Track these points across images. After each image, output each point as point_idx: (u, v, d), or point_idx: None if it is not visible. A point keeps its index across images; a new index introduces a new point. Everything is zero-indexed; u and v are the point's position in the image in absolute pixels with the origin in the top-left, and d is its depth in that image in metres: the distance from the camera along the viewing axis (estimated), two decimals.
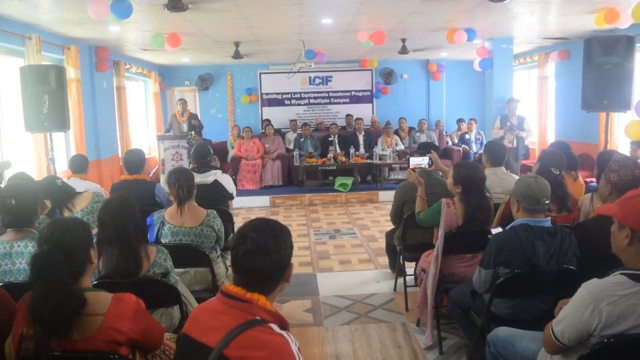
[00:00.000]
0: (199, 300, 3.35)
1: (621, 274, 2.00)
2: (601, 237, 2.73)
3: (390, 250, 5.35)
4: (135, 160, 4.83)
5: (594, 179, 5.50)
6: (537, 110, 11.09)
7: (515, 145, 8.99)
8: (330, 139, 11.13)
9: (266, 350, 1.60)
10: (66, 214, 3.81)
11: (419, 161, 4.41)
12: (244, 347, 1.59)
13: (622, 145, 8.27)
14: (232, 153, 11.25)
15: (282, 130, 12.74)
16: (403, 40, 9.62)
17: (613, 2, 6.63)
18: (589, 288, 2.01)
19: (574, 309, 2.02)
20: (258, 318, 1.67)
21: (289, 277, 1.79)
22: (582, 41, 5.94)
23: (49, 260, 1.91)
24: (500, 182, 4.33)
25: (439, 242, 3.62)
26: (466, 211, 3.62)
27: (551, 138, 10.60)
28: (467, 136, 11.58)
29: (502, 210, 3.82)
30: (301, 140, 11.16)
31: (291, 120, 12.67)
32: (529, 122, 9.30)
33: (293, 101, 13.77)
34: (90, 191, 4.14)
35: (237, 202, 9.10)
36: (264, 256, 1.69)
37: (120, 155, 10.03)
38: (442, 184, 4.54)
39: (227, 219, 4.62)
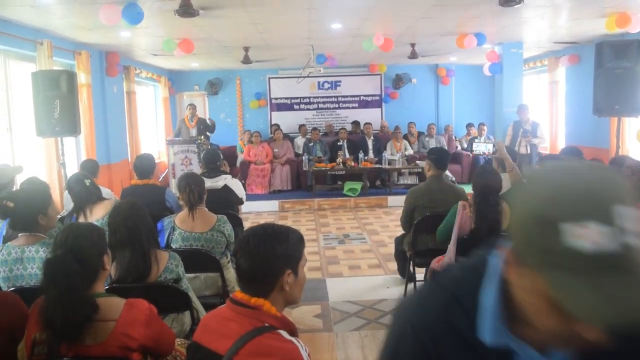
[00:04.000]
0: (209, 306, 3.35)
1: None
2: None
3: (400, 255, 5.32)
4: (145, 165, 4.84)
5: None
6: (548, 115, 11.03)
7: (529, 151, 8.88)
8: (339, 143, 11.12)
9: (276, 357, 1.58)
10: (81, 219, 3.80)
11: (484, 148, 4.42)
12: (254, 354, 1.58)
13: (633, 150, 8.21)
14: (241, 158, 11.27)
15: (291, 135, 12.76)
16: (412, 45, 9.62)
17: (624, 6, 6.59)
18: None
19: None
20: (267, 325, 1.66)
21: (287, 284, 1.73)
22: (593, 45, 5.92)
23: (62, 266, 1.92)
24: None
25: (451, 245, 3.60)
26: (475, 214, 3.63)
27: (562, 143, 10.53)
28: (476, 141, 11.53)
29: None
30: (310, 145, 11.16)
31: (301, 125, 12.67)
32: (542, 128, 9.12)
33: (302, 106, 13.78)
34: (111, 200, 4.12)
35: (246, 207, 9.10)
36: (251, 259, 1.71)
37: (130, 160, 10.07)
38: (453, 189, 4.53)
39: (237, 223, 4.62)
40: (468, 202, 3.75)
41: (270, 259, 1.71)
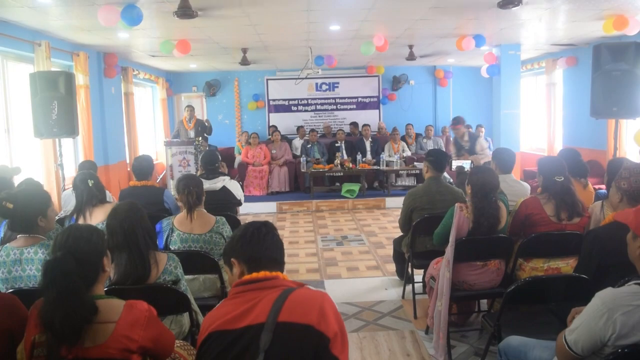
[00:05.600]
0: (208, 307, 3.34)
1: (635, 283, 1.98)
2: (613, 245, 2.72)
3: (398, 257, 5.33)
4: (144, 167, 4.83)
5: (603, 186, 5.47)
6: (546, 116, 11.05)
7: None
8: (337, 145, 11.14)
9: (314, 303, 1.80)
10: (80, 221, 3.78)
11: (461, 163, 4.42)
12: (295, 307, 1.77)
13: (631, 152, 8.23)
14: (239, 159, 11.27)
15: (289, 136, 12.76)
16: (410, 47, 9.63)
17: (622, 9, 6.60)
18: (603, 297, 1.99)
19: (587, 319, 2.00)
20: (292, 286, 1.87)
21: None
22: (590, 47, 5.94)
23: (62, 267, 1.91)
24: (510, 189, 4.31)
25: (449, 247, 3.60)
26: (473, 213, 3.62)
27: (559, 145, 10.56)
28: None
29: (512, 218, 3.80)
30: (308, 146, 11.17)
31: (299, 127, 12.66)
32: (482, 142, 7.69)
33: (300, 107, 13.78)
34: (112, 203, 4.09)
35: (244, 208, 9.10)
36: (274, 246, 1.97)
37: (127, 161, 10.07)
38: (452, 191, 4.53)
39: (236, 225, 4.60)
40: (465, 203, 3.74)
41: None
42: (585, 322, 2.01)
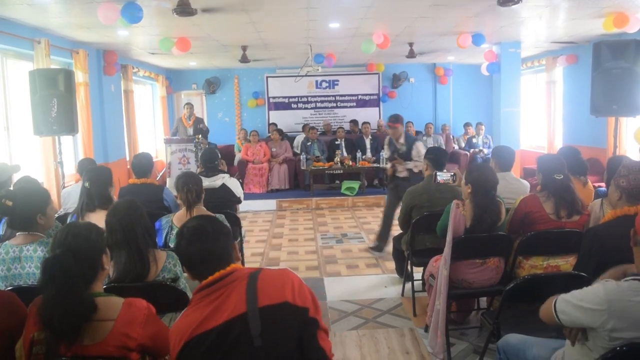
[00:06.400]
0: None
1: (633, 279, 1.99)
2: (612, 243, 2.72)
3: (398, 255, 5.33)
4: (143, 165, 4.82)
5: (602, 184, 5.47)
6: (545, 114, 11.04)
7: (407, 175, 6.39)
8: (337, 142, 11.14)
9: (283, 280, 1.87)
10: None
11: (446, 176, 4.41)
12: (268, 289, 1.82)
13: (630, 150, 8.23)
14: (239, 156, 11.26)
15: (290, 134, 12.74)
16: (410, 44, 9.62)
17: (622, 6, 6.59)
18: (606, 288, 1.99)
19: (585, 301, 2.02)
20: (253, 272, 1.90)
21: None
22: (590, 45, 5.93)
23: (60, 265, 1.91)
24: (509, 187, 4.31)
25: (446, 245, 3.59)
26: (474, 212, 3.59)
27: (559, 143, 10.55)
28: (474, 140, 11.56)
29: (511, 216, 3.80)
30: (308, 144, 11.16)
31: (304, 125, 12.58)
32: (419, 148, 6.42)
33: (300, 105, 13.76)
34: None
35: (244, 206, 9.09)
36: (217, 240, 1.94)
37: (127, 159, 10.06)
38: (450, 189, 4.53)
39: (235, 223, 4.61)
40: (463, 201, 3.73)
41: (229, 231, 2.05)
42: (581, 304, 2.03)
